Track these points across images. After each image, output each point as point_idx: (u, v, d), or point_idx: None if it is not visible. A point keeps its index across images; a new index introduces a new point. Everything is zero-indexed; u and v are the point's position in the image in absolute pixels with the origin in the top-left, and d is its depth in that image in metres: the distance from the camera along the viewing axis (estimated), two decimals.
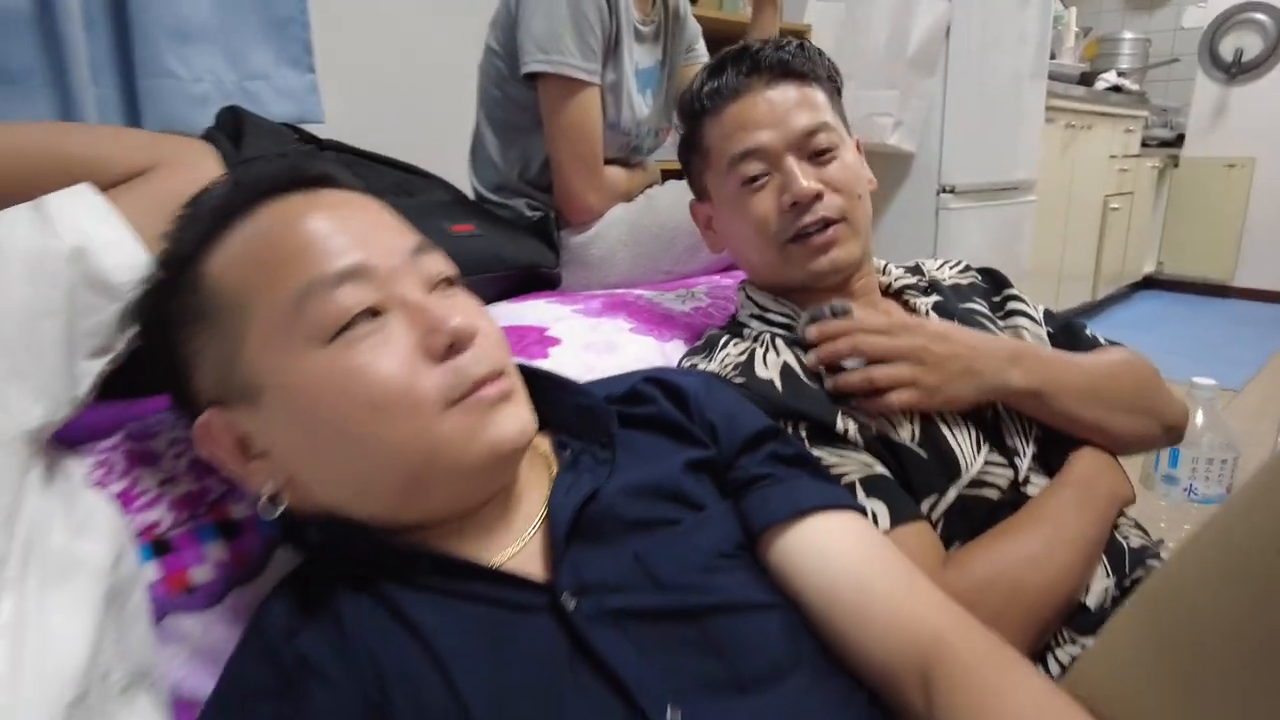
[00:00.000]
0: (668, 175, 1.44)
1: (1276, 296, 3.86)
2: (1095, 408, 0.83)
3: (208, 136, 1.19)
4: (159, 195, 0.62)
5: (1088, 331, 0.99)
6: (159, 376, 0.58)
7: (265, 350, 0.52)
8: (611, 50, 1.26)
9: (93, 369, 0.57)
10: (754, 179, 0.86)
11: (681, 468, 0.63)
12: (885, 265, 1.01)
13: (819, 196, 0.84)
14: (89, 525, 0.51)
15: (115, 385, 0.61)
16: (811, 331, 0.81)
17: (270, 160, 0.61)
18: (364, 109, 1.66)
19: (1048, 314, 0.99)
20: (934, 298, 0.96)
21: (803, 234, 0.85)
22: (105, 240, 0.58)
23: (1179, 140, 4.06)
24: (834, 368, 0.79)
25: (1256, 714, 0.46)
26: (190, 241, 0.55)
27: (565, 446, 0.65)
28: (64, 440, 0.60)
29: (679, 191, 1.25)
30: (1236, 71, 3.85)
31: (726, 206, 0.91)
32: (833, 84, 0.93)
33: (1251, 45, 3.80)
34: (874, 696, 0.56)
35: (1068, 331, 0.97)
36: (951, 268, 1.04)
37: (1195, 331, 3.52)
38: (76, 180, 0.60)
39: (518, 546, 0.57)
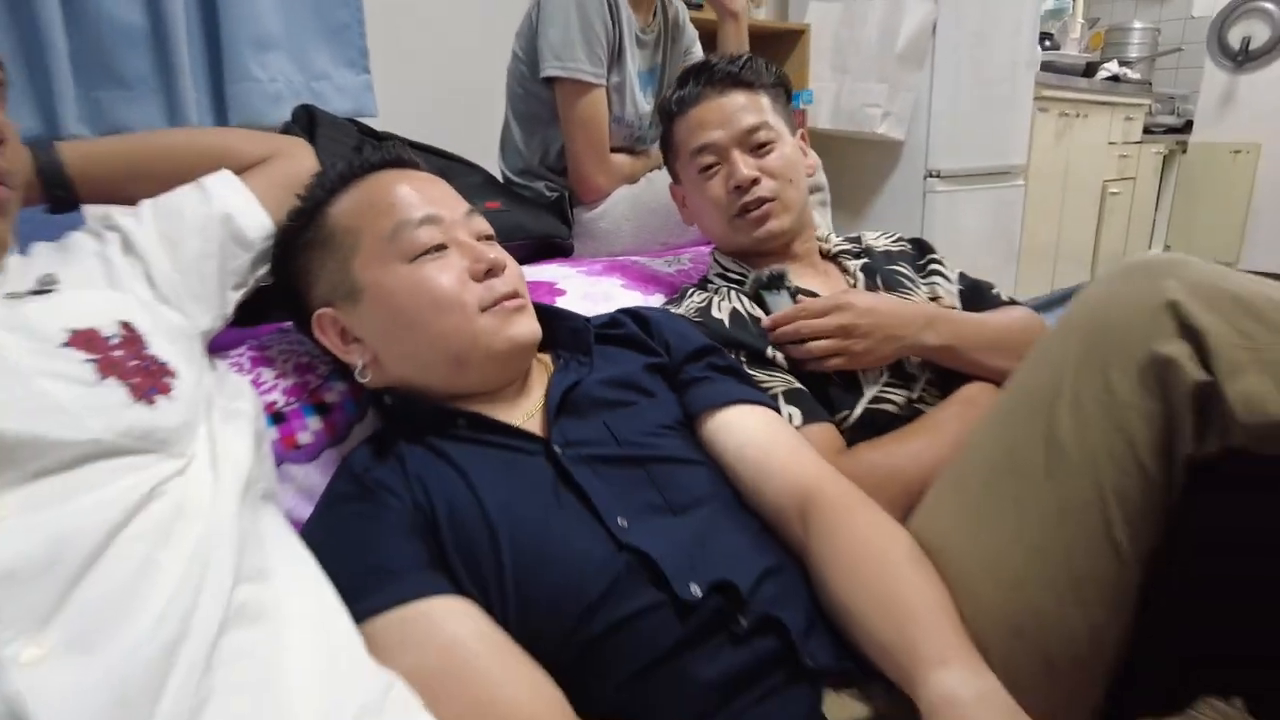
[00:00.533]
0: None
1: None
2: (997, 356, 1.03)
3: (286, 129, 1.46)
4: (276, 177, 0.88)
5: (994, 291, 1.21)
6: (279, 300, 0.85)
7: (367, 265, 0.78)
8: (616, 56, 1.50)
9: (234, 298, 0.84)
10: (708, 168, 1.10)
11: (641, 368, 0.88)
12: (828, 234, 1.25)
13: (756, 181, 1.07)
14: (238, 393, 0.78)
15: (240, 318, 0.88)
16: (765, 322, 1.03)
17: (377, 149, 0.88)
18: (411, 104, 1.92)
19: (961, 276, 1.22)
20: (863, 260, 1.19)
21: (744, 210, 1.09)
22: (243, 209, 0.84)
23: (1188, 127, 4.17)
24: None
25: (995, 507, 0.70)
26: (320, 196, 0.82)
27: (560, 357, 0.90)
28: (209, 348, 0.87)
29: None
30: (1244, 60, 3.95)
31: (691, 189, 1.15)
32: (779, 89, 1.16)
33: (1259, 34, 3.89)
34: (765, 526, 0.80)
35: (975, 290, 1.20)
36: (886, 238, 1.27)
37: None
38: (219, 168, 0.86)
39: (526, 418, 0.82)
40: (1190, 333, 0.61)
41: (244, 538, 0.63)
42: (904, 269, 1.19)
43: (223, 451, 0.68)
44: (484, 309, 0.78)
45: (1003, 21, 2.57)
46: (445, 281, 0.78)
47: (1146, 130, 3.92)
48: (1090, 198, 3.52)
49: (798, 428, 0.94)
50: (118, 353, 0.63)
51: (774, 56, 2.50)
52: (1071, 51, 3.58)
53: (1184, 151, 4.18)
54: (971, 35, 2.47)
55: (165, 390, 0.65)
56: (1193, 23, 4.23)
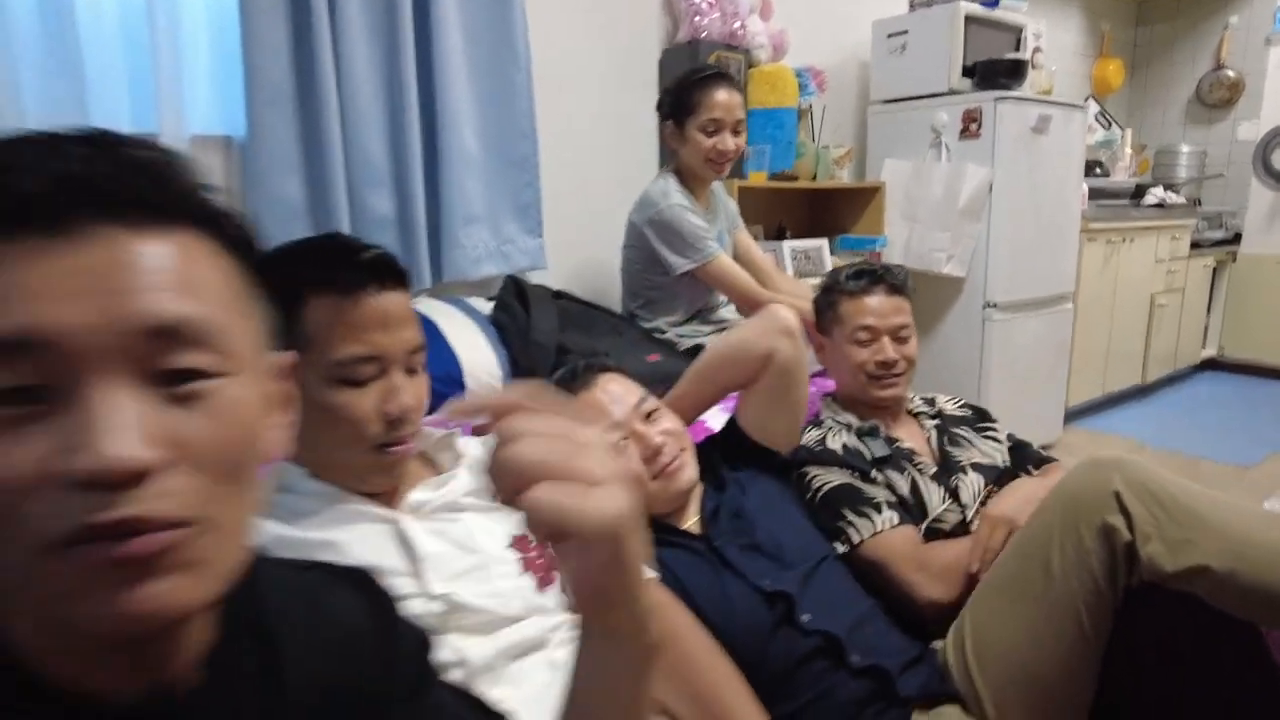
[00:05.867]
0: None
1: None
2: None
3: (501, 297, 1.99)
4: None
5: (1033, 448, 1.64)
6: None
7: None
8: None
9: None
10: (862, 341, 1.58)
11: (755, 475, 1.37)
12: (913, 396, 1.71)
13: (896, 362, 1.55)
14: None
15: None
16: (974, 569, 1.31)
17: (584, 368, 1.33)
18: (575, 261, 2.47)
19: (1009, 436, 1.65)
20: (936, 421, 1.64)
21: (880, 378, 1.56)
22: None
23: (1236, 239, 4.51)
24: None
25: (1013, 607, 1.13)
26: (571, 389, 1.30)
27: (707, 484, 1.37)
28: None
29: None
30: None
31: (839, 347, 1.61)
32: (911, 295, 1.64)
33: None
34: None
35: (1019, 447, 1.62)
36: (953, 404, 1.70)
37: (1250, 410, 3.97)
38: None
39: (692, 523, 1.30)
40: (1125, 512, 1.05)
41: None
42: (965, 431, 1.63)
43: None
44: (654, 478, 1.25)
45: (1051, 179, 2.99)
46: (629, 467, 1.23)
47: (1194, 245, 4.26)
48: (1139, 310, 3.88)
49: (894, 525, 1.37)
50: (533, 553, 0.97)
51: (855, 208, 3.00)
52: (1120, 177, 3.97)
53: (1234, 261, 4.51)
54: (1024, 189, 2.91)
55: (551, 581, 0.97)
56: (1238, 145, 4.60)
